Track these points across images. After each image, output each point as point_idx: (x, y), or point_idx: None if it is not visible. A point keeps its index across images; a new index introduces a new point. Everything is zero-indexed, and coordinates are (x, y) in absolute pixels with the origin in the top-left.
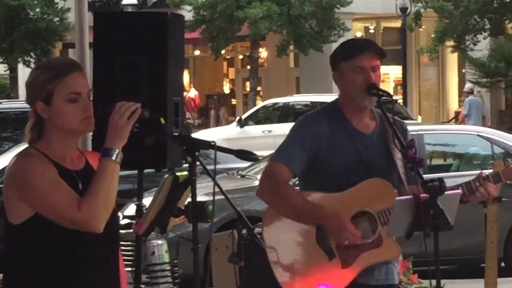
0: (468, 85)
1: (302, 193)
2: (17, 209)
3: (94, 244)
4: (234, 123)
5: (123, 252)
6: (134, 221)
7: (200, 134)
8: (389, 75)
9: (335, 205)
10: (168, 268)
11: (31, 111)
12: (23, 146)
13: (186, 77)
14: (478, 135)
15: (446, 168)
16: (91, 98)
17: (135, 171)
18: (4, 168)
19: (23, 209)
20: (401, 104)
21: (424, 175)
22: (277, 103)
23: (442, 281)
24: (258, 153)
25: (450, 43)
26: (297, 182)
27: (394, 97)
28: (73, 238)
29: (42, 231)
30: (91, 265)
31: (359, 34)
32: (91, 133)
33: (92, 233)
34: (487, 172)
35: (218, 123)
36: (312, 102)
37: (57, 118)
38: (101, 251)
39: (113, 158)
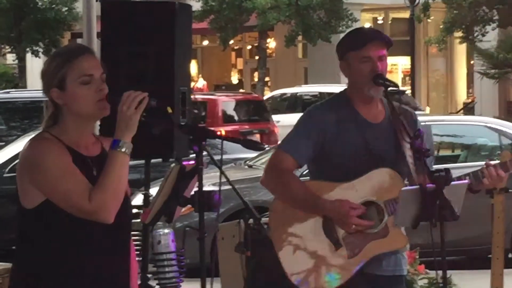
0: None
1: (305, 183)
2: (29, 193)
3: (105, 233)
4: None
5: None
6: (141, 211)
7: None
8: (398, 66)
9: (342, 195)
10: (175, 257)
11: (48, 101)
12: (32, 135)
13: (194, 67)
14: (486, 126)
15: (453, 159)
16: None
17: (142, 161)
18: (13, 157)
19: (34, 193)
20: (410, 95)
21: (432, 166)
22: (285, 94)
23: (449, 272)
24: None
25: (459, 34)
26: (305, 172)
27: (402, 88)
28: (84, 226)
29: (53, 217)
30: (101, 253)
31: (367, 25)
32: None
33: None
34: (494, 162)
35: None
36: (320, 93)
37: (72, 102)
38: (112, 240)
39: (123, 150)
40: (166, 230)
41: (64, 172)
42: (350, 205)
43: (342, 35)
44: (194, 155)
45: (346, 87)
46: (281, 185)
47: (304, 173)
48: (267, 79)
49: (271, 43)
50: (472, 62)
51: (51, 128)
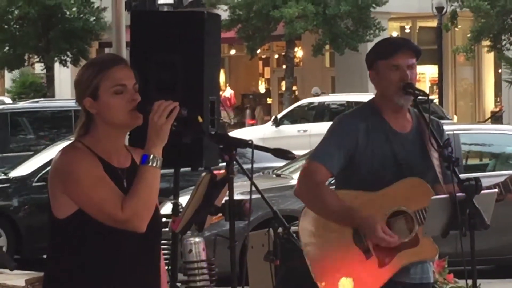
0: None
1: (338, 194)
2: (61, 203)
3: (136, 242)
4: (270, 123)
5: None
6: (170, 220)
7: (236, 133)
8: (425, 75)
9: (372, 204)
10: (205, 265)
11: (81, 110)
12: (60, 144)
13: (221, 76)
14: None
15: (482, 167)
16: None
17: (171, 170)
18: (41, 166)
19: (67, 203)
20: (437, 103)
21: (460, 175)
22: (312, 103)
23: (478, 281)
24: (293, 152)
25: (486, 42)
26: (332, 182)
27: (430, 97)
28: (116, 236)
29: (85, 227)
30: (132, 262)
31: (395, 34)
32: None
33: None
34: None
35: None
36: (347, 102)
37: (105, 111)
38: (143, 249)
39: (154, 165)
40: (197, 239)
41: (96, 181)
42: (380, 224)
43: (369, 44)
44: (223, 164)
45: (373, 96)
46: (314, 197)
47: (332, 182)
48: (294, 88)
49: (299, 52)
50: (500, 70)
51: (83, 138)
